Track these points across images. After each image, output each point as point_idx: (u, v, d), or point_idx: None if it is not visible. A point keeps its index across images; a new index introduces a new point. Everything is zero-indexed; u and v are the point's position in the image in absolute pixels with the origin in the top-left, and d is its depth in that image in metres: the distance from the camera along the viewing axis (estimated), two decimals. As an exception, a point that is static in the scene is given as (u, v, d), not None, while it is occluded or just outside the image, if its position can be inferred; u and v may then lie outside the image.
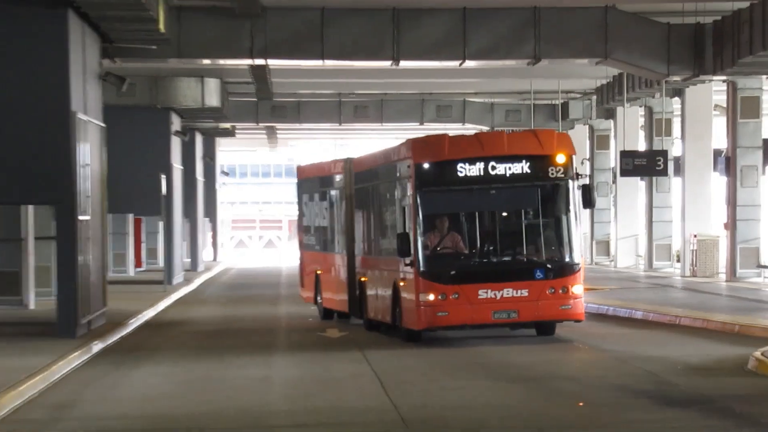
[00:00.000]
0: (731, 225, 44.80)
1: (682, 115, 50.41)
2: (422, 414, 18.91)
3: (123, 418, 19.56)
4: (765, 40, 35.53)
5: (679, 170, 51.14)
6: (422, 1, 38.89)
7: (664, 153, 47.71)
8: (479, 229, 27.68)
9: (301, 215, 39.62)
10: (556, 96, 58.75)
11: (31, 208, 37.36)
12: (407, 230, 27.19)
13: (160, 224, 56.45)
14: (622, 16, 39.71)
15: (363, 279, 31.91)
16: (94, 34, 32.88)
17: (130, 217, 59.90)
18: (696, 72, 40.51)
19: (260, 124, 66.63)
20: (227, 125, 65.02)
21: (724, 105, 47.58)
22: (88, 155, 31.17)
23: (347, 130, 72.82)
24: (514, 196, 27.67)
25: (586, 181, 27.38)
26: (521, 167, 26.98)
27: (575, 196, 27.21)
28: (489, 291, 26.73)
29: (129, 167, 46.41)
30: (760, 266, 44.39)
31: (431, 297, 26.63)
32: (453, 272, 27.05)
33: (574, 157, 27.33)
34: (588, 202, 27.72)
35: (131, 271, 61.11)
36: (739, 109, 43.85)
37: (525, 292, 26.83)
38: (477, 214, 27.75)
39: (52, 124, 29.44)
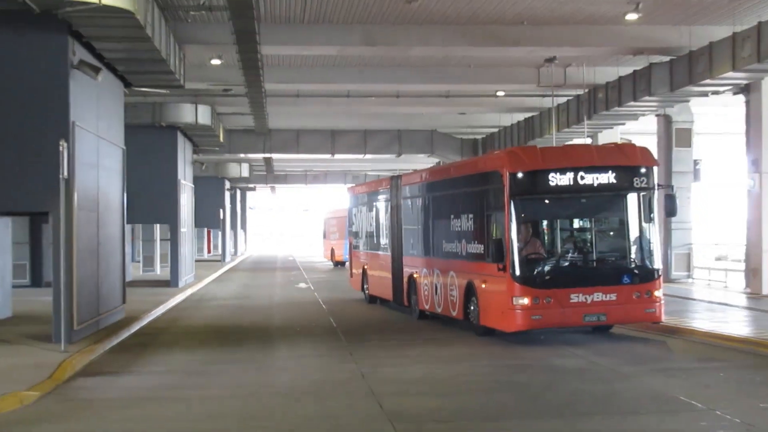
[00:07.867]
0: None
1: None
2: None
3: (204, 325, 19.18)
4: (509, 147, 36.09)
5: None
6: (345, 126, 38.51)
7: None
8: (569, 236, 15.94)
9: (350, 223, 25.79)
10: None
11: (158, 225, 36.55)
12: (499, 236, 15.13)
13: (219, 233, 55.76)
14: (440, 135, 39.81)
15: (415, 275, 19.39)
16: (189, 142, 32.37)
17: (206, 229, 59.21)
18: (475, 162, 40.62)
19: (267, 185, 65.98)
20: (252, 185, 64.47)
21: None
22: (185, 200, 30.70)
23: (311, 187, 72.19)
24: (601, 205, 15.53)
25: (670, 190, 16.75)
26: (608, 177, 15.08)
27: (656, 205, 15.47)
28: (580, 295, 14.89)
29: (204, 206, 45.19)
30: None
31: (526, 301, 14.66)
32: (547, 277, 14.91)
33: (655, 168, 15.51)
34: (672, 211, 16.12)
35: (205, 255, 60.30)
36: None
37: (613, 296, 15.02)
38: (567, 221, 16.00)
39: (169, 186, 28.90)
